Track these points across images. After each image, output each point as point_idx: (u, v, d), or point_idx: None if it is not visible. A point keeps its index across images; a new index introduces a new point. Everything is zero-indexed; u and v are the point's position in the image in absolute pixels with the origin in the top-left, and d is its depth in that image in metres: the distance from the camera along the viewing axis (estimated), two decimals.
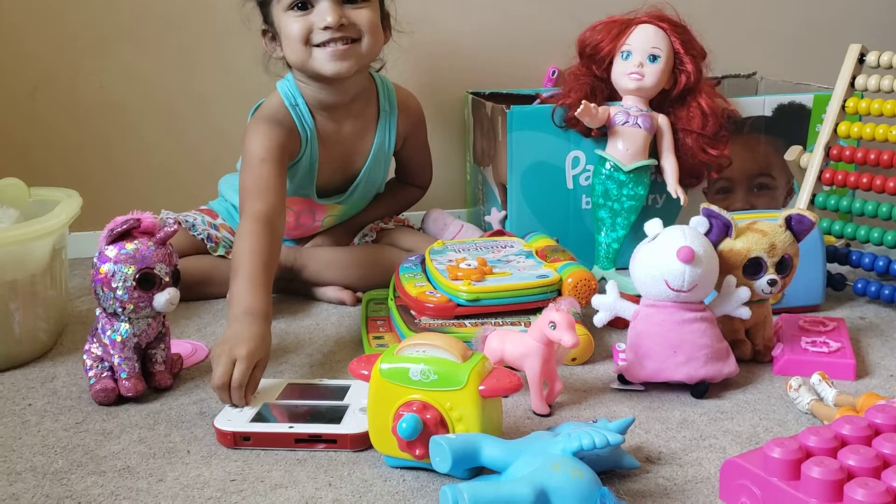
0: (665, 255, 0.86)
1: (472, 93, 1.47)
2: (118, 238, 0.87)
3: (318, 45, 1.08)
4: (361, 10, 1.09)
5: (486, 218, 1.35)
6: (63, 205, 1.04)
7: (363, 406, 0.80)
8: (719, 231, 0.92)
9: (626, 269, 1.21)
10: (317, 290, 1.21)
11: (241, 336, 0.86)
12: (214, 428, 0.80)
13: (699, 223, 0.92)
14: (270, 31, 1.15)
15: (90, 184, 1.42)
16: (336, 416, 0.81)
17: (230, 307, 0.92)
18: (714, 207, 0.92)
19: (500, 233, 1.25)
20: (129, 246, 0.87)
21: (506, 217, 1.29)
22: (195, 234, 1.23)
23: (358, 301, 1.18)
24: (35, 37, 1.39)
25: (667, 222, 1.07)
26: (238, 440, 0.79)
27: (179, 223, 1.23)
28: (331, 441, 0.78)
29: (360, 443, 0.78)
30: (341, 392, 0.86)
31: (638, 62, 1.18)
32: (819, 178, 1.21)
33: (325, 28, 1.06)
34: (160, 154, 1.45)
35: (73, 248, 1.21)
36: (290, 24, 1.08)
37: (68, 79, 1.41)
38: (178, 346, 1.01)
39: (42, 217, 0.99)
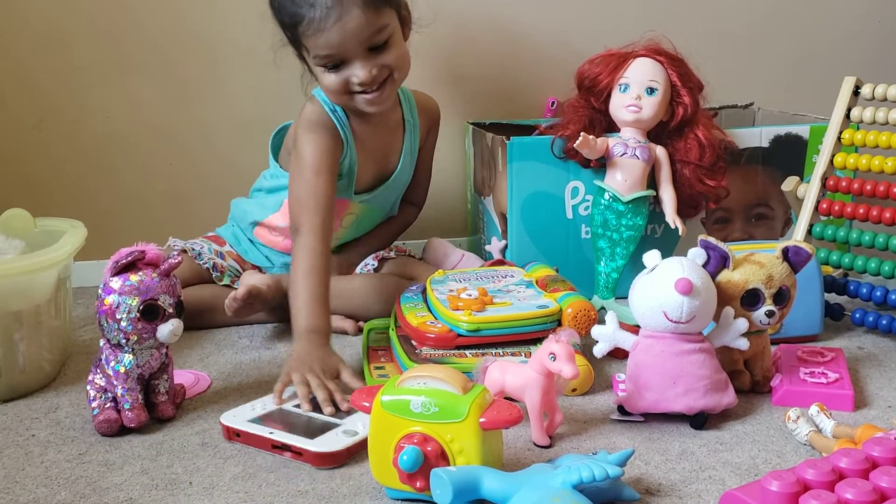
0: (663, 286, 0.87)
1: (472, 123, 1.48)
2: (123, 269, 0.89)
3: (357, 93, 1.12)
4: (389, 51, 1.11)
5: (487, 247, 1.36)
6: (68, 236, 1.05)
7: (348, 429, 0.86)
8: (717, 262, 0.93)
9: (626, 298, 1.23)
10: None
11: (313, 356, 0.96)
12: (221, 424, 0.89)
13: (697, 255, 0.93)
14: (305, 62, 1.16)
15: (95, 213, 1.44)
16: (318, 432, 0.86)
17: (295, 323, 1.01)
18: (711, 239, 0.93)
19: (501, 262, 1.26)
20: (134, 277, 0.88)
21: (506, 246, 1.30)
22: (201, 262, 1.24)
23: (359, 330, 1.19)
24: (40, 69, 1.41)
25: (665, 252, 1.08)
26: (232, 435, 0.88)
27: (185, 251, 1.25)
28: (297, 453, 0.84)
29: (322, 461, 0.82)
30: (344, 414, 0.90)
31: (636, 95, 1.20)
32: (816, 208, 1.22)
33: (360, 84, 1.10)
34: (165, 182, 1.47)
35: (78, 276, 1.22)
36: (326, 78, 1.12)
37: (73, 110, 1.43)
38: (181, 376, 1.02)
39: (47, 248, 1.00)
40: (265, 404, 0.92)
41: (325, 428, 0.86)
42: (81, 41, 1.41)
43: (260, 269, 1.30)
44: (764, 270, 0.93)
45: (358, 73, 1.09)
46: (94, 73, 1.42)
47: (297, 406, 0.91)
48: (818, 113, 1.43)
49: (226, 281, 1.24)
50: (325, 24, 1.07)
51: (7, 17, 1.38)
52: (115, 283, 0.88)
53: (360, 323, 1.20)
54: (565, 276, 1.17)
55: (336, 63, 1.10)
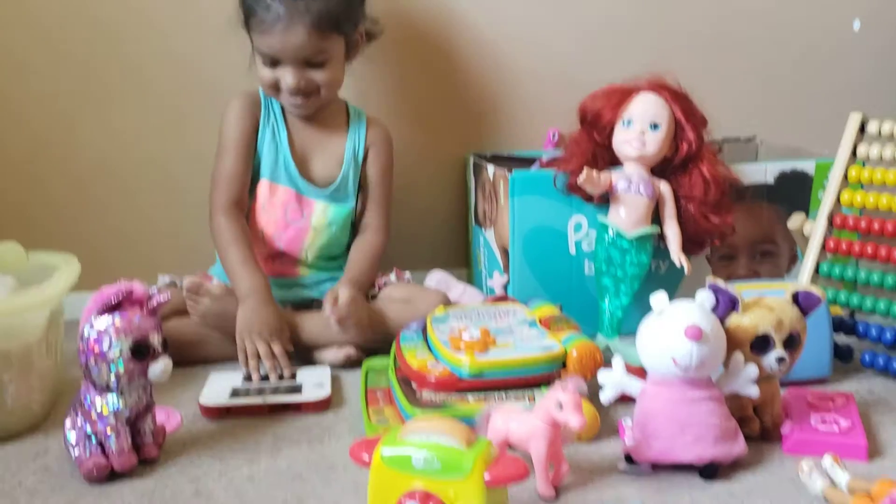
0: (672, 332, 0.85)
1: (473, 155, 1.47)
2: (109, 309, 0.86)
3: (284, 92, 1.21)
4: (321, 71, 1.21)
5: (489, 282, 1.33)
6: (61, 272, 1.02)
7: (315, 381, 1.07)
8: (726, 306, 0.91)
9: (631, 335, 1.21)
10: (318, 353, 1.19)
11: (258, 316, 1.13)
12: (199, 405, 1.01)
13: (705, 298, 0.91)
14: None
15: (88, 245, 1.41)
16: (297, 389, 1.05)
17: (236, 290, 1.16)
18: (720, 282, 0.91)
19: (502, 298, 1.24)
20: (122, 316, 0.86)
21: (508, 281, 1.28)
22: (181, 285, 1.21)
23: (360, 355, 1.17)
24: (30, 102, 1.38)
25: (669, 289, 1.06)
26: (222, 413, 1.01)
27: (175, 283, 1.23)
28: (296, 407, 1.02)
29: (320, 407, 1.02)
30: (292, 376, 1.10)
31: (639, 130, 1.19)
32: (823, 246, 1.20)
33: (287, 88, 1.20)
34: (158, 216, 1.44)
35: (69, 309, 1.19)
36: (262, 70, 1.21)
37: (65, 143, 1.40)
38: None
39: (39, 286, 0.97)
40: (228, 380, 1.08)
41: (296, 387, 1.06)
42: (70, 75, 1.38)
43: None
44: (774, 315, 0.91)
45: (287, 78, 1.19)
46: (85, 105, 1.39)
47: (246, 382, 1.08)
48: (821, 148, 1.42)
49: None
50: (272, 29, 1.16)
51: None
52: (102, 323, 0.85)
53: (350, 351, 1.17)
54: (568, 313, 1.14)
55: (272, 61, 1.19)
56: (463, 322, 1.08)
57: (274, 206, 1.26)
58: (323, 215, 1.27)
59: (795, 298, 0.93)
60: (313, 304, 1.28)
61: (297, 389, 1.05)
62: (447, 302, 1.23)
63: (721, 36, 1.56)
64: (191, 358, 1.17)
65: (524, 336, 1.03)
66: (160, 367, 0.87)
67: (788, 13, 1.57)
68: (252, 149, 1.25)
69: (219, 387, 1.07)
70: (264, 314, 1.13)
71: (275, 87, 1.21)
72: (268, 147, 1.26)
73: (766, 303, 0.92)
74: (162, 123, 1.42)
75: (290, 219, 1.26)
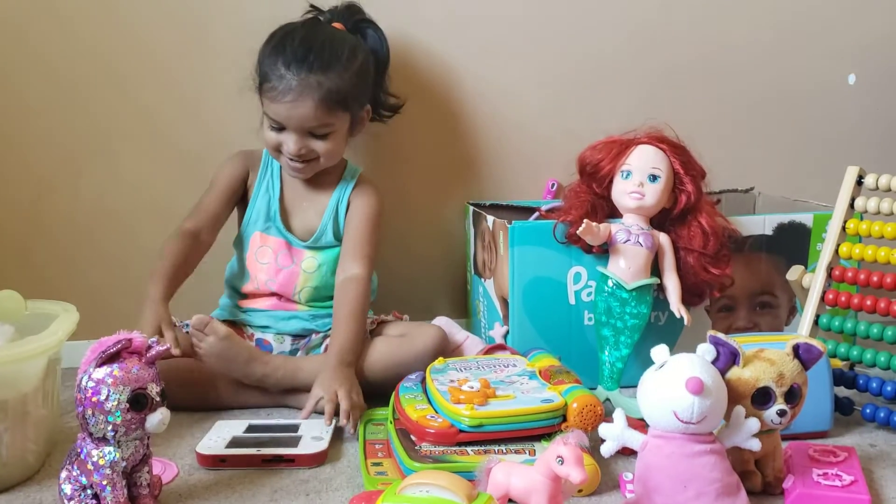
0: (673, 385, 0.84)
1: (472, 204, 1.48)
2: (107, 360, 0.85)
3: (285, 155, 1.25)
4: (323, 141, 1.24)
5: (489, 332, 1.33)
6: (60, 320, 1.02)
7: (314, 435, 1.06)
8: (726, 359, 0.91)
9: (631, 387, 1.20)
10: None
11: (142, 317, 1.17)
12: (196, 453, 1.01)
13: (706, 351, 0.90)
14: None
15: (88, 292, 1.41)
16: (294, 441, 1.04)
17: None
18: (721, 335, 0.91)
19: (501, 347, 1.24)
20: (120, 367, 0.85)
21: (508, 332, 1.28)
22: (188, 330, 1.21)
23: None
24: (38, 144, 1.40)
25: (669, 341, 1.05)
26: (216, 462, 1.00)
27: (175, 324, 1.22)
28: (289, 461, 1.00)
29: (315, 461, 1.01)
30: (294, 427, 1.09)
31: (638, 182, 1.20)
32: (822, 298, 1.20)
33: (287, 153, 1.24)
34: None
35: (67, 358, 1.18)
36: (268, 132, 1.25)
37: (70, 188, 1.42)
38: None
39: (37, 336, 0.97)
40: (230, 428, 1.08)
41: (293, 439, 1.05)
42: (77, 120, 1.40)
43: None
44: (775, 368, 0.91)
45: (290, 144, 1.23)
46: (91, 150, 1.41)
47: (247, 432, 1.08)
48: (820, 199, 1.43)
49: None
50: (281, 98, 1.20)
51: (3, 90, 1.38)
52: (100, 373, 0.85)
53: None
54: (568, 364, 1.14)
55: (279, 127, 1.23)
56: (462, 373, 1.08)
57: (265, 253, 1.30)
58: (313, 260, 1.30)
59: (796, 351, 0.92)
60: (311, 338, 1.28)
61: (294, 442, 1.04)
62: (445, 337, 1.24)
63: (718, 88, 1.59)
64: (190, 400, 1.16)
65: (524, 388, 1.03)
66: (158, 417, 0.86)
67: (785, 68, 1.60)
68: (235, 195, 1.32)
69: (220, 435, 1.07)
70: (146, 312, 1.18)
71: (277, 150, 1.26)
72: (261, 200, 1.31)
73: (766, 355, 0.92)
74: (168, 171, 1.44)
75: (280, 264, 1.29)
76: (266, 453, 1.01)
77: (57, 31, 1.38)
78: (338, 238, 1.31)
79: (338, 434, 1.09)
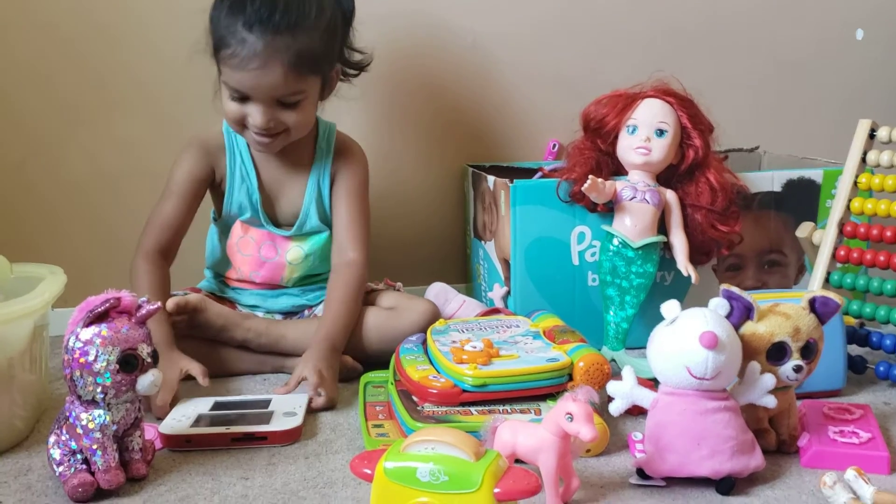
0: (686, 340, 0.81)
1: (471, 166, 1.44)
2: (95, 320, 0.82)
3: (250, 129, 1.13)
4: (292, 111, 1.12)
5: (489, 294, 1.30)
6: (46, 283, 0.98)
7: (286, 410, 0.97)
8: (740, 314, 0.88)
9: (635, 348, 1.17)
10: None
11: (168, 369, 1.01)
12: (159, 434, 0.92)
13: (719, 305, 0.87)
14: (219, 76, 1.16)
15: (77, 257, 1.37)
16: (265, 418, 0.96)
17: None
18: (734, 289, 0.88)
19: (497, 311, 1.20)
20: (109, 327, 0.81)
21: (508, 293, 1.25)
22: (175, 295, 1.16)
23: (357, 368, 1.12)
24: (25, 107, 1.35)
25: (676, 300, 1.02)
26: (181, 442, 0.92)
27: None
28: (262, 438, 0.92)
29: (287, 437, 0.93)
30: (265, 403, 1.00)
31: (645, 137, 1.16)
32: (833, 255, 1.17)
33: (254, 126, 1.11)
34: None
35: (56, 325, 1.14)
36: (229, 105, 1.12)
37: (58, 149, 1.37)
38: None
39: (22, 297, 0.93)
40: (195, 406, 1.00)
41: (266, 416, 0.96)
42: (68, 78, 1.35)
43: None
44: (790, 322, 0.87)
45: (256, 117, 1.10)
46: (80, 112, 1.37)
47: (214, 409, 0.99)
48: (826, 157, 1.39)
49: None
50: (245, 65, 1.07)
51: None
52: (87, 333, 0.81)
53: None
54: (572, 325, 1.10)
55: (241, 97, 1.10)
56: (464, 334, 1.04)
57: (248, 244, 1.21)
58: (298, 250, 1.22)
59: (812, 305, 0.89)
60: (304, 314, 1.25)
61: (266, 418, 0.96)
62: (436, 312, 1.18)
63: (722, 44, 1.55)
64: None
65: (528, 348, 0.99)
66: (149, 379, 0.83)
67: (790, 22, 1.56)
68: (198, 198, 1.19)
69: (184, 413, 0.98)
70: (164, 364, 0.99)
71: (240, 123, 1.12)
72: (238, 190, 1.20)
73: (782, 310, 0.89)
74: (158, 132, 1.39)
75: (264, 256, 1.22)
76: (235, 431, 0.92)
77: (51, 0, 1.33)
78: (324, 221, 1.22)
79: (311, 410, 1.03)
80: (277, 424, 0.94)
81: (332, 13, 1.13)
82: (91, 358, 0.81)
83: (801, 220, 1.24)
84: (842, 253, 1.16)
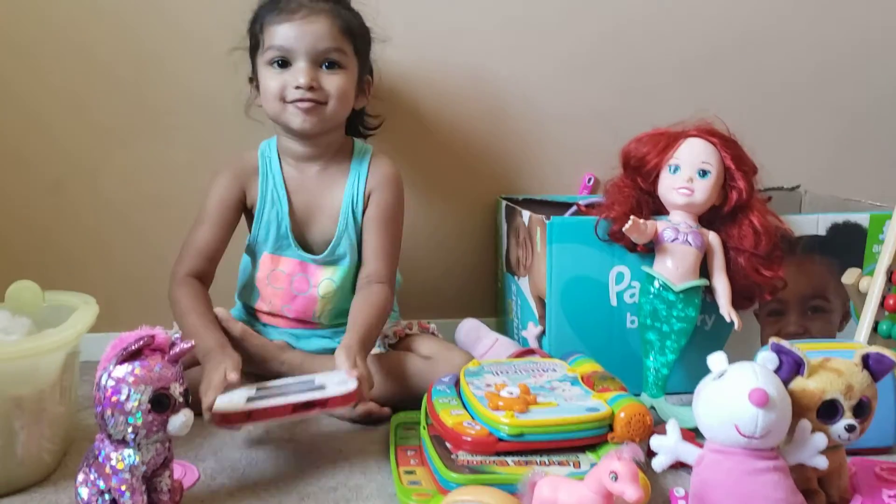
0: (735, 396, 0.78)
1: (504, 198, 1.42)
2: (128, 357, 0.80)
3: (290, 102, 1.13)
4: (335, 76, 1.13)
5: (523, 333, 1.27)
6: (79, 314, 0.97)
7: (336, 381, 0.95)
8: (790, 369, 0.84)
9: (675, 393, 1.14)
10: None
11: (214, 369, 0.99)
12: (214, 414, 0.91)
13: (768, 359, 0.84)
14: (255, 81, 1.19)
15: (110, 283, 1.37)
16: (319, 388, 0.95)
17: (198, 351, 1.04)
18: (784, 342, 0.84)
19: (531, 352, 1.17)
20: (142, 365, 0.80)
21: (543, 333, 1.22)
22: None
23: (385, 412, 1.10)
24: (62, 128, 1.35)
25: (716, 345, 0.98)
26: (241, 418, 0.90)
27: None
28: (322, 404, 0.91)
29: (346, 401, 0.93)
30: (310, 380, 1.00)
31: (687, 177, 1.13)
32: (882, 303, 1.13)
33: (297, 87, 1.11)
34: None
35: (86, 351, 1.13)
36: (269, 79, 1.13)
37: (93, 171, 1.36)
38: None
39: (54, 329, 0.92)
40: (240, 393, 0.96)
41: (315, 387, 0.95)
42: (104, 102, 1.35)
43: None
44: (843, 379, 0.84)
45: (299, 76, 1.11)
46: (118, 135, 1.36)
47: (260, 391, 0.97)
48: (870, 198, 1.36)
49: None
50: (292, 16, 1.10)
51: (29, 74, 1.33)
52: (121, 371, 0.79)
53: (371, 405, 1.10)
54: (609, 369, 1.07)
55: (283, 61, 1.12)
56: (500, 377, 1.02)
57: (278, 278, 1.19)
58: (330, 283, 1.19)
59: (866, 361, 0.86)
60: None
61: (318, 390, 0.94)
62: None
63: (764, 82, 1.52)
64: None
65: (567, 395, 0.96)
66: (181, 419, 0.81)
67: (830, 55, 1.52)
68: (232, 225, 1.18)
69: (232, 398, 0.95)
70: (215, 362, 1.02)
71: (281, 98, 1.12)
72: (268, 215, 1.18)
73: (833, 365, 0.85)
74: (195, 155, 1.38)
75: (296, 290, 1.19)
76: (295, 401, 0.91)
77: (85, 29, 1.33)
78: (354, 243, 1.19)
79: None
80: (333, 392, 0.93)
81: (363, 22, 1.20)
82: (123, 397, 0.79)
83: (846, 265, 1.21)
84: (891, 302, 1.12)
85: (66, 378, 0.96)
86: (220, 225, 1.17)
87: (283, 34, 1.11)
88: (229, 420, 0.90)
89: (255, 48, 1.17)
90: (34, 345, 0.89)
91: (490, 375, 1.02)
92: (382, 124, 1.33)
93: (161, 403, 0.80)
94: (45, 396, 0.93)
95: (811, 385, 0.84)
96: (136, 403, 0.79)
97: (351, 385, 0.93)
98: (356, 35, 1.16)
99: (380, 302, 1.14)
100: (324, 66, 1.13)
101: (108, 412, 0.80)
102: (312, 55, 1.11)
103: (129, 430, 0.80)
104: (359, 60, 1.18)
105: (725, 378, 0.81)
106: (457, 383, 1.03)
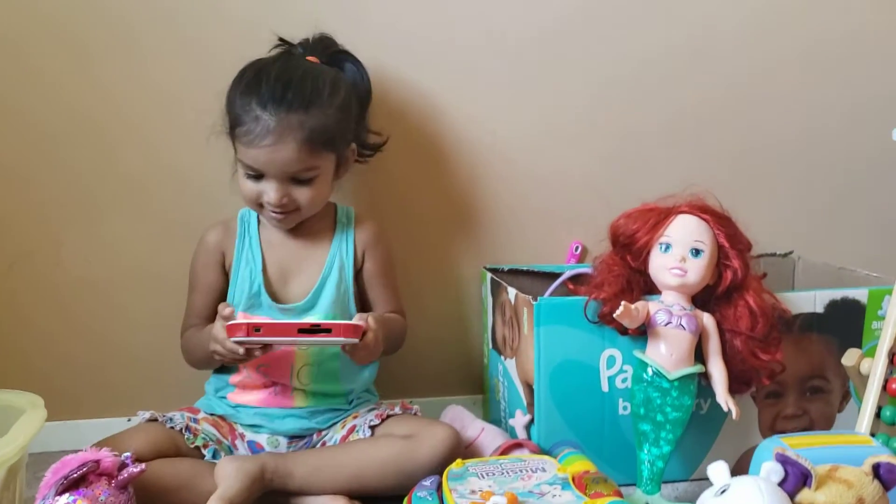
0: None
1: (489, 269, 1.36)
2: (71, 486, 0.73)
3: (265, 208, 1.14)
4: (306, 188, 1.13)
5: (510, 421, 1.20)
6: (23, 420, 0.88)
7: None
8: (796, 481, 0.78)
9: (670, 482, 1.07)
10: (308, 501, 1.04)
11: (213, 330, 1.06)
12: (227, 326, 1.00)
13: (773, 471, 0.78)
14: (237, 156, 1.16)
15: (66, 371, 1.30)
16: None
17: (205, 338, 1.09)
18: (790, 453, 0.78)
19: (519, 445, 1.10)
20: (85, 496, 0.73)
21: (531, 422, 1.15)
22: (172, 426, 1.08)
23: None
24: (13, 208, 1.27)
25: (711, 431, 0.92)
26: (251, 331, 0.99)
27: (156, 419, 1.09)
28: (327, 331, 0.99)
29: (352, 332, 1.00)
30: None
31: (680, 256, 1.08)
32: (884, 387, 1.07)
33: (268, 203, 1.12)
34: (146, 339, 1.31)
35: (38, 441, 1.05)
36: (245, 183, 1.13)
37: (48, 255, 1.28)
38: None
39: None
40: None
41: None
42: (55, 179, 1.27)
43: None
44: (853, 492, 0.78)
45: (270, 193, 1.11)
46: (71, 213, 1.28)
47: None
48: (862, 261, 1.31)
49: (199, 442, 1.08)
50: (259, 143, 1.08)
51: None
52: (61, 502, 0.72)
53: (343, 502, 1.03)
54: (602, 458, 1.01)
55: (256, 175, 1.11)
56: (485, 480, 0.94)
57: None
58: (307, 367, 1.14)
59: (876, 471, 0.80)
60: (312, 438, 1.15)
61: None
62: (456, 438, 1.07)
63: (753, 147, 1.47)
64: None
65: (558, 501, 0.89)
66: None
67: (821, 118, 1.48)
68: (218, 283, 1.19)
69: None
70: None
71: (256, 202, 1.13)
72: (242, 275, 1.17)
73: (842, 476, 0.79)
74: (152, 238, 1.31)
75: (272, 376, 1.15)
76: (302, 322, 1.00)
77: (34, 92, 1.25)
78: (340, 299, 1.17)
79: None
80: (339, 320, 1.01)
81: (346, 93, 1.16)
82: None
83: (845, 342, 1.15)
84: (893, 386, 1.06)
85: (8, 496, 0.87)
86: (207, 289, 1.19)
87: (252, 157, 1.09)
88: (239, 330, 0.99)
89: (230, 135, 1.14)
90: None
91: (475, 479, 0.95)
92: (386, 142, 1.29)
93: None
94: None
95: (819, 499, 0.78)
96: None
97: (359, 321, 1.02)
98: (333, 137, 1.12)
99: (399, 318, 1.23)
100: (294, 181, 1.12)
101: None
102: (283, 177, 1.10)
103: None
104: (338, 153, 1.15)
105: (728, 495, 0.74)
106: (439, 487, 0.96)
